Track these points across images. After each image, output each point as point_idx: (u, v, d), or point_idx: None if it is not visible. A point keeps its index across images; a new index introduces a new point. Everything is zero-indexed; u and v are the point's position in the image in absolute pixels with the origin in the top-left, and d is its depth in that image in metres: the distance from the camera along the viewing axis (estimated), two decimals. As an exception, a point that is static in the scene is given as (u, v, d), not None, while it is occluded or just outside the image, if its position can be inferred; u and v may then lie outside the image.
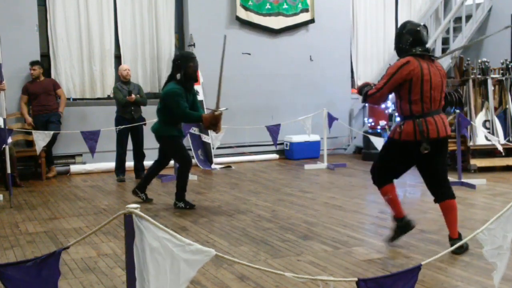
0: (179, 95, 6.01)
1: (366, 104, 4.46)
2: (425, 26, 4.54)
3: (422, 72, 4.28)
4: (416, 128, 4.28)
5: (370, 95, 4.48)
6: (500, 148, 7.54)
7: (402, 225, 4.61)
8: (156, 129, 6.32)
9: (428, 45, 4.47)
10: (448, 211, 4.44)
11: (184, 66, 6.07)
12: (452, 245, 4.23)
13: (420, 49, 4.38)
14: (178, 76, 6.09)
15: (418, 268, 2.40)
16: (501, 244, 2.60)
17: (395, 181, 4.64)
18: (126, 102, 8.26)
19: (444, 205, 4.44)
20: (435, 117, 4.32)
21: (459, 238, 4.41)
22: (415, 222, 4.69)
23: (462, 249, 4.33)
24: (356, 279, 2.28)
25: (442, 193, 4.43)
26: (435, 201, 4.50)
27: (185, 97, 6.11)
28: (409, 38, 4.42)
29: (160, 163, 6.60)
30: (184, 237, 2.26)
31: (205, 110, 6.24)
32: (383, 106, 9.94)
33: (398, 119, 4.41)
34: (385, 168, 4.59)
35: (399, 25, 4.76)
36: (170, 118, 6.18)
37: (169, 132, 6.24)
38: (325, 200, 6.58)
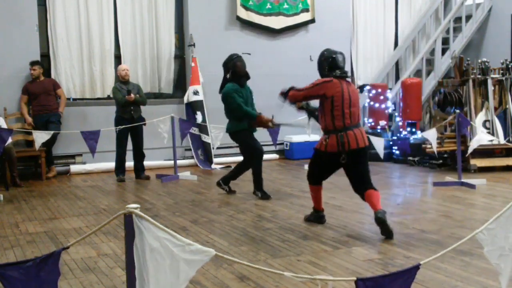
0: (234, 91, 6.58)
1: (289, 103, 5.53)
2: (341, 53, 5.22)
3: (343, 91, 4.99)
4: (338, 141, 4.95)
5: (292, 89, 5.31)
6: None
7: (317, 216, 5.43)
8: (227, 128, 6.85)
9: (346, 69, 5.33)
10: (370, 197, 4.94)
11: (232, 65, 6.66)
12: (376, 215, 4.79)
13: (339, 72, 5.08)
14: (228, 75, 6.67)
15: (416, 267, 2.40)
16: (503, 245, 2.58)
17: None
18: (126, 102, 8.25)
19: (366, 193, 4.97)
20: (354, 131, 4.99)
21: (382, 210, 4.82)
22: (325, 220, 5.41)
23: (385, 224, 4.77)
24: (354, 278, 2.29)
25: (364, 188, 5.00)
26: (363, 198, 5.04)
27: (241, 91, 6.65)
28: (327, 65, 5.14)
29: (246, 161, 6.93)
30: (184, 237, 2.26)
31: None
32: (383, 106, 10.02)
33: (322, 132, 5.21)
34: (315, 174, 5.34)
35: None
36: (235, 114, 6.64)
37: (239, 126, 6.67)
38: (325, 200, 6.53)
